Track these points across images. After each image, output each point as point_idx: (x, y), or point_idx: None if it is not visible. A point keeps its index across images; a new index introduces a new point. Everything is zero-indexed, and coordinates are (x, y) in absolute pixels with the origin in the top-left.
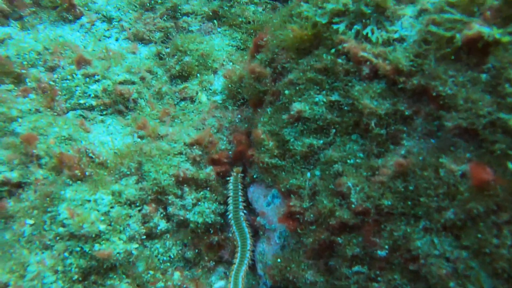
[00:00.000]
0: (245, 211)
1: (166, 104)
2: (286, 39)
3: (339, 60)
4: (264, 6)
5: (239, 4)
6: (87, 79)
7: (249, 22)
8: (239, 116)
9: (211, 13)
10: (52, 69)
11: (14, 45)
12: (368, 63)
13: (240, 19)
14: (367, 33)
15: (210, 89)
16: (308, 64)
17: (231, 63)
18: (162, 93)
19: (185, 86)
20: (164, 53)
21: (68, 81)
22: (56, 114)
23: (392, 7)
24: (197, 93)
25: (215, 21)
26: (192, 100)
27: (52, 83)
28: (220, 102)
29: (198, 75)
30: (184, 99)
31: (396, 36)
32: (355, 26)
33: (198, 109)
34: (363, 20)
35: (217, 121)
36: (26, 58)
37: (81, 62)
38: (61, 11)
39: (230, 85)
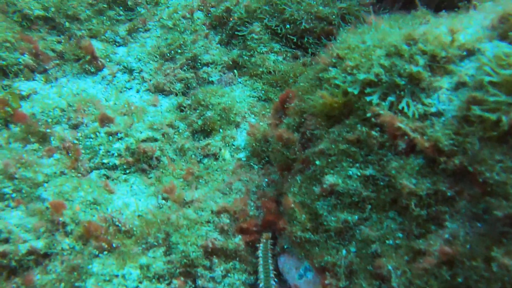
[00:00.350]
0: (276, 280)
1: (189, 163)
2: (315, 104)
3: (374, 133)
4: (284, 55)
5: (259, 54)
6: (110, 138)
7: (270, 72)
8: (266, 180)
9: (231, 63)
10: (75, 127)
11: (39, 101)
12: (405, 137)
13: (261, 69)
14: (402, 107)
15: (233, 145)
16: (340, 135)
17: (253, 116)
18: (185, 149)
19: (208, 142)
20: (185, 105)
21: (91, 140)
22: (80, 175)
23: (427, 79)
24: (220, 149)
25: (235, 70)
26: (215, 157)
27: (75, 141)
28: (245, 159)
29: (221, 130)
30: (207, 155)
31: (433, 110)
32: (389, 98)
33: (222, 167)
34: (397, 92)
35: (244, 186)
36: (50, 116)
37: (104, 120)
38: (83, 63)
39: (254, 144)
